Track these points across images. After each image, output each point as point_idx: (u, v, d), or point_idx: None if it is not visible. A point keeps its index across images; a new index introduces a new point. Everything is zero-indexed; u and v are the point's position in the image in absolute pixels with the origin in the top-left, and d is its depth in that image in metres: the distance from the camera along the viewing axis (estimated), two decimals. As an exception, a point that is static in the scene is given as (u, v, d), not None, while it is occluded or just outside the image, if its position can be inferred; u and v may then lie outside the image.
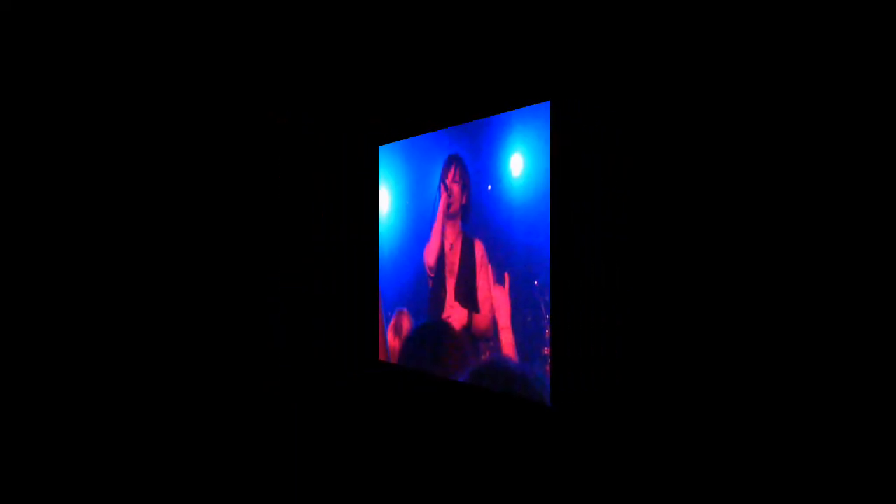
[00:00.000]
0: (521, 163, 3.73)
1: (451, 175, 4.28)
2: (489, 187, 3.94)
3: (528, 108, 3.70)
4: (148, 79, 4.10)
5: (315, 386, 4.31)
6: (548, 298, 3.49)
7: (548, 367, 3.46)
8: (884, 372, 2.57)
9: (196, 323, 3.99)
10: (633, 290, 3.59)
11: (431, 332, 4.40)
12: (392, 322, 4.83)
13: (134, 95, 4.08)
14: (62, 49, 3.83)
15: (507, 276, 3.78)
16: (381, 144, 5.10)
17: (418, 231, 4.61)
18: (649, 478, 3.00)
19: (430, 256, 4.46)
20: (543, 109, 3.60)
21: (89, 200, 3.92)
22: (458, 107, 4.29)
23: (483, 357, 3.93)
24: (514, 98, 3.89)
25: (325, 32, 4.47)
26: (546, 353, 3.48)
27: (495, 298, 3.86)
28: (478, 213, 4.04)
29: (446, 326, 4.26)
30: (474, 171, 4.07)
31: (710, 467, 2.92)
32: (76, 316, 3.71)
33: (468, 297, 4.09)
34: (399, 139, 4.87)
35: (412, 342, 4.61)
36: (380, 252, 5.06)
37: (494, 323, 3.86)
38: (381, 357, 4.93)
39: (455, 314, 4.18)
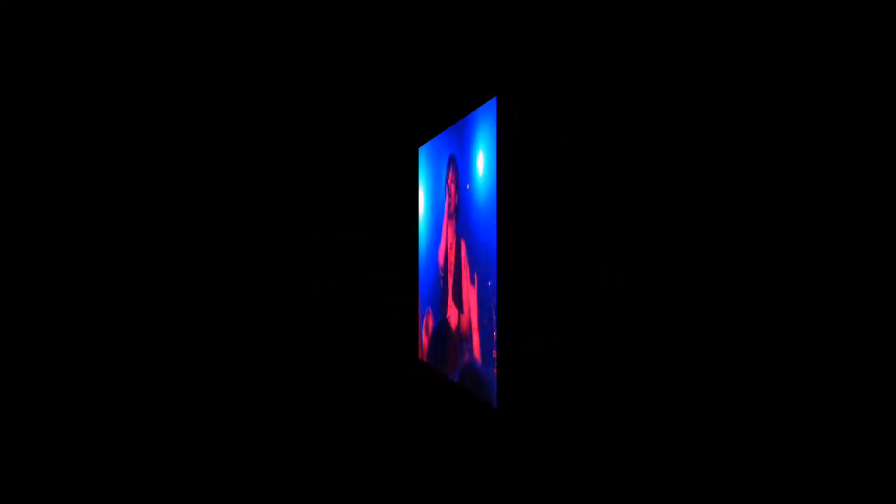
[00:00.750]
0: (482, 161, 3.65)
1: (449, 175, 4.28)
2: (468, 186, 3.90)
3: (489, 103, 3.61)
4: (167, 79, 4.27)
5: (335, 383, 4.53)
6: (495, 300, 3.39)
7: (495, 370, 3.37)
8: (863, 369, 2.69)
9: (215, 323, 4.39)
10: (579, 293, 3.42)
11: (440, 331, 4.44)
12: (424, 321, 4.93)
13: (157, 95, 4.25)
14: (62, 49, 3.92)
15: (475, 276, 3.73)
16: (420, 146, 5.20)
17: (438, 231, 4.66)
18: (598, 482, 2.84)
19: (440, 256, 4.50)
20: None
21: (90, 201, 4.07)
22: (454, 104, 4.29)
23: (465, 358, 3.90)
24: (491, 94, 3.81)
25: (344, 36, 4.52)
26: (494, 355, 3.39)
27: (471, 299, 3.82)
28: (462, 212, 4.01)
29: (447, 326, 4.28)
30: (462, 171, 4.04)
31: (658, 469, 2.75)
32: (77, 316, 4.01)
33: (458, 297, 4.08)
34: (427, 139, 4.94)
35: (431, 342, 4.68)
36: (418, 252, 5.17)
37: (471, 324, 3.82)
38: (420, 356, 5.05)
39: (452, 314, 4.19)
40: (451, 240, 4.23)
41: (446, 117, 4.65)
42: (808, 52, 2.69)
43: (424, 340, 4.88)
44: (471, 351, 3.78)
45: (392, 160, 5.22)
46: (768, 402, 3.40)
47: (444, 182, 4.40)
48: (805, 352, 3.29)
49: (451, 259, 4.21)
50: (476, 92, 4.21)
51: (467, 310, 3.88)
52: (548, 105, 3.41)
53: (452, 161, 4.22)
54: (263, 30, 4.16)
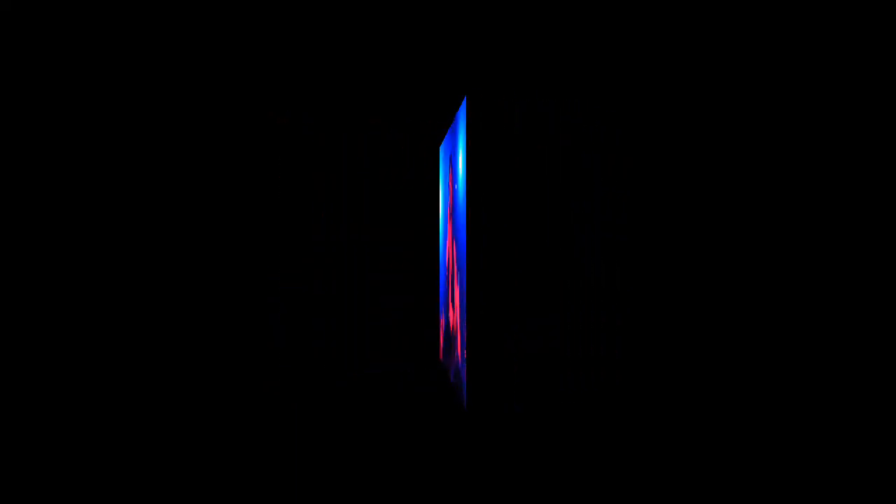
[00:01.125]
0: (461, 160, 3.64)
1: (450, 175, 4.29)
2: (456, 186, 3.90)
3: (464, 103, 3.59)
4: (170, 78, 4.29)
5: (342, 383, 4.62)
6: (465, 300, 3.38)
7: (465, 371, 3.36)
8: (863, 369, 2.73)
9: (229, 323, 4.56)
10: (553, 292, 3.35)
11: (446, 332, 4.45)
12: (441, 322, 4.94)
13: (158, 95, 4.26)
14: (62, 49, 3.93)
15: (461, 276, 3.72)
16: (440, 144, 5.21)
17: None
18: (567, 486, 2.82)
19: (446, 256, 4.51)
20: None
21: (90, 201, 4.09)
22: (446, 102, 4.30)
23: (456, 358, 3.90)
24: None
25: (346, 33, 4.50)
26: (466, 355, 3.37)
27: (457, 299, 3.82)
28: (454, 212, 4.00)
29: (448, 326, 4.28)
30: (455, 171, 4.04)
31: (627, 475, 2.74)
32: (77, 316, 4.06)
33: (453, 297, 4.08)
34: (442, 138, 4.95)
35: (444, 342, 4.69)
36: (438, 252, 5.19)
37: (458, 324, 3.82)
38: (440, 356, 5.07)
39: (451, 314, 4.19)
40: (451, 239, 4.23)
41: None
42: (808, 52, 2.73)
43: (441, 342, 4.90)
44: (457, 351, 3.77)
45: (414, 158, 5.23)
46: (768, 402, 3.28)
47: (447, 182, 4.41)
48: (805, 351, 3.17)
49: (450, 259, 4.22)
50: (484, 89, 4.18)
51: (457, 310, 3.87)
52: (520, 103, 3.36)
53: (451, 161, 4.22)
54: (268, 31, 4.17)
